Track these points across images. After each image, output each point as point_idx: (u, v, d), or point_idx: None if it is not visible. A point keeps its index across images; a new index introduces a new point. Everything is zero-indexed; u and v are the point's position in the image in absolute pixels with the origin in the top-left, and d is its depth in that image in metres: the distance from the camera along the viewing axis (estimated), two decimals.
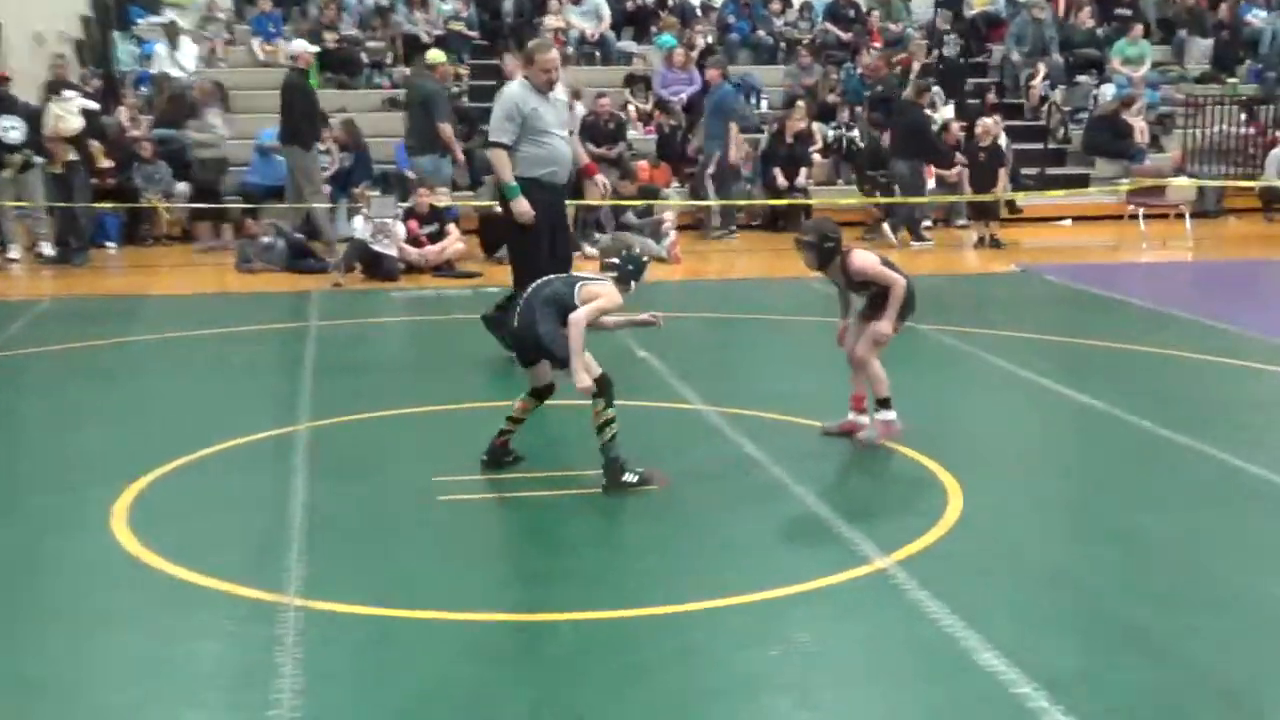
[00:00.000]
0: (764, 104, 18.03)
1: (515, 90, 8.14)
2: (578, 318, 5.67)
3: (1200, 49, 19.67)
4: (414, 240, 12.76)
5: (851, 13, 19.75)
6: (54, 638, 4.39)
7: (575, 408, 6.42)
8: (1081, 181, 16.94)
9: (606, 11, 18.66)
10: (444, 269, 12.72)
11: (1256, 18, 19.94)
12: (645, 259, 6.04)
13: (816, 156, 16.67)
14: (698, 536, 5.31)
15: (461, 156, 13.97)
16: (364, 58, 17.50)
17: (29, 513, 5.69)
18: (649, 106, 17.32)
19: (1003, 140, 15.56)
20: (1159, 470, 6.29)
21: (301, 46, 13.82)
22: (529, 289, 5.97)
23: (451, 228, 13.03)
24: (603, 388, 5.74)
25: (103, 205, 14.15)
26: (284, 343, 9.57)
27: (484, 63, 17.48)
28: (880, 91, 16.93)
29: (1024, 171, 16.88)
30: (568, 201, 9.02)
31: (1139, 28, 18.94)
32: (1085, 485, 6.14)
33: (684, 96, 17.16)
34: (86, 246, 13.72)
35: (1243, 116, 18.10)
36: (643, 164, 15.67)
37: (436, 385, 8.04)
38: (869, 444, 6.46)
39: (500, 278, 12.33)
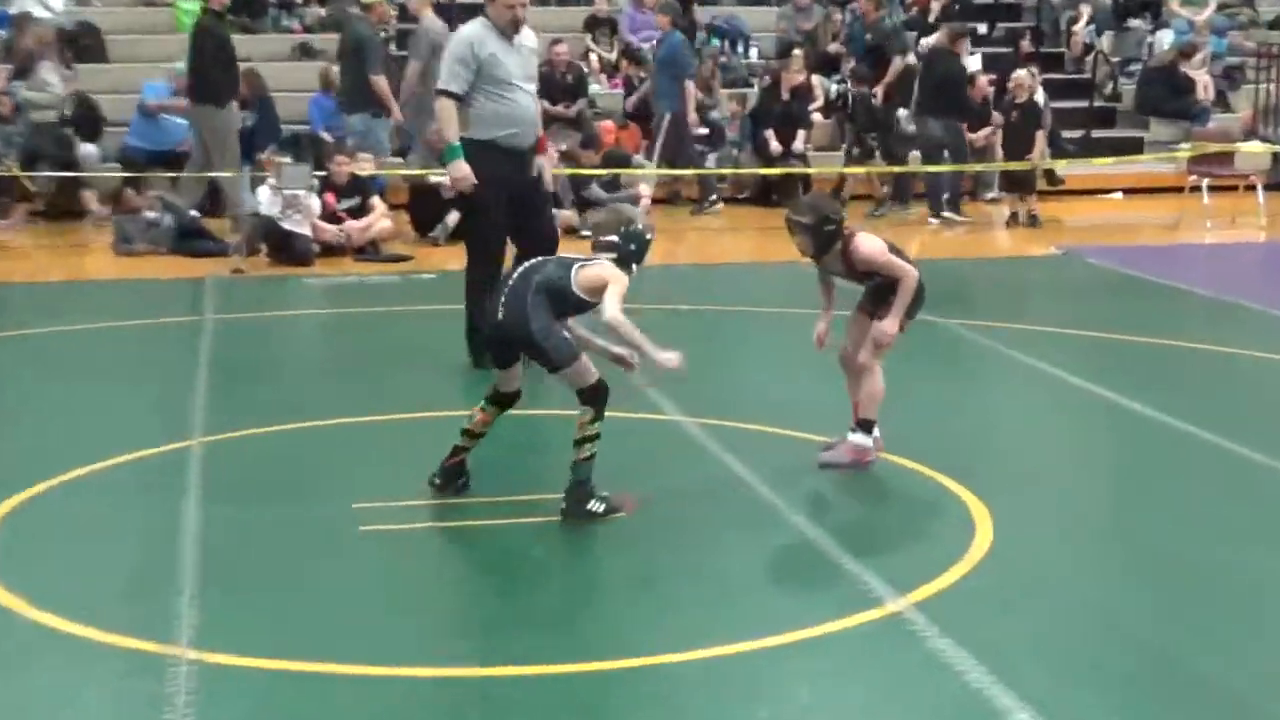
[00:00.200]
0: (754, 53, 18.07)
1: (472, 30, 8.06)
2: (617, 318, 5.64)
3: None
4: (331, 216, 12.72)
5: None
6: None
7: (530, 418, 6.41)
8: (1134, 147, 17.05)
9: None
10: (368, 251, 12.69)
11: None
12: (649, 235, 5.99)
13: (816, 116, 16.70)
14: (675, 574, 5.32)
15: (400, 115, 13.98)
16: None
17: None
18: (614, 55, 17.33)
19: (1040, 97, 15.63)
20: (1226, 493, 6.33)
21: None
22: (516, 272, 5.91)
23: (376, 201, 13.00)
24: (597, 397, 5.74)
25: None
26: (173, 340, 9.52)
27: None
28: (870, 40, 16.97)
29: (1065, 135, 16.97)
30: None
31: None
32: (1138, 511, 6.17)
33: (657, 43, 17.18)
34: None
35: None
36: (607, 124, 15.64)
37: (358, 393, 8.01)
38: (828, 467, 6.45)
39: (436, 261, 12.33)
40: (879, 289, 6.49)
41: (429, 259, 12.47)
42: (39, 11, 16.50)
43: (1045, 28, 19.02)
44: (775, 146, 15.90)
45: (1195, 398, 7.78)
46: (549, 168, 8.58)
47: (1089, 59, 18.46)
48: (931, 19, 17.24)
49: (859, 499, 6.30)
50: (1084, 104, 18.00)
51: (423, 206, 13.47)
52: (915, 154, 15.61)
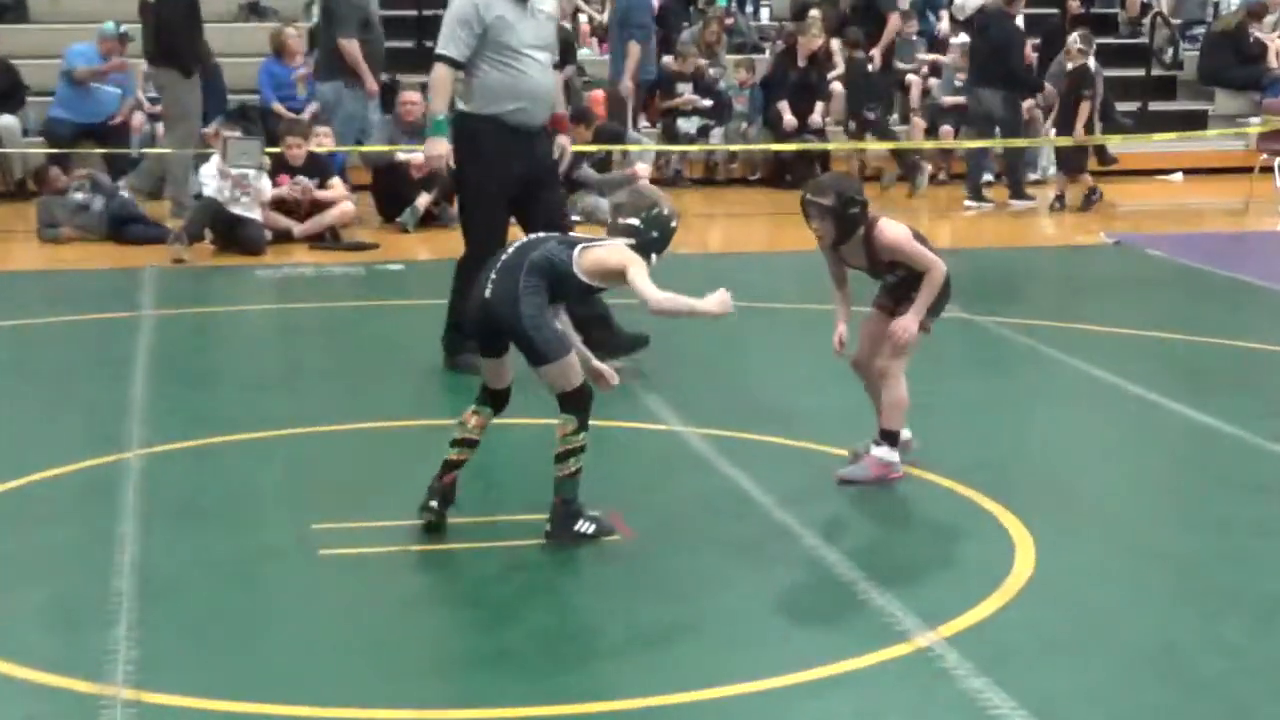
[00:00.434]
0: (764, 14, 18.11)
1: None
2: (660, 301, 5.58)
3: None
4: (285, 203, 12.74)
5: None
6: None
7: (511, 427, 6.43)
8: (1197, 121, 17.09)
9: None
10: (326, 238, 12.71)
11: None
12: (674, 223, 5.93)
13: (836, 86, 16.71)
14: (675, 605, 5.33)
15: (374, 85, 14.01)
16: None
17: None
18: (606, 17, 17.35)
19: (1090, 64, 15.65)
20: None
21: None
22: (511, 247, 5.86)
23: (336, 183, 13.03)
24: (580, 403, 5.71)
25: None
26: (105, 339, 9.53)
27: None
28: None
29: (1119, 108, 17.00)
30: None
31: None
32: (1201, 535, 6.19)
33: (654, 3, 17.22)
34: None
35: None
36: (597, 94, 15.60)
37: (318, 399, 8.04)
38: (848, 483, 6.48)
39: (404, 250, 12.35)
40: (900, 283, 6.50)
41: (396, 247, 12.50)
42: None
43: None
44: (789, 120, 15.92)
45: (1266, 407, 7.81)
46: (568, 151, 8.45)
47: (1146, 21, 18.50)
48: None
49: (883, 520, 6.32)
50: (1140, 73, 18.05)
51: (389, 188, 13.49)
52: (946, 128, 15.65)
